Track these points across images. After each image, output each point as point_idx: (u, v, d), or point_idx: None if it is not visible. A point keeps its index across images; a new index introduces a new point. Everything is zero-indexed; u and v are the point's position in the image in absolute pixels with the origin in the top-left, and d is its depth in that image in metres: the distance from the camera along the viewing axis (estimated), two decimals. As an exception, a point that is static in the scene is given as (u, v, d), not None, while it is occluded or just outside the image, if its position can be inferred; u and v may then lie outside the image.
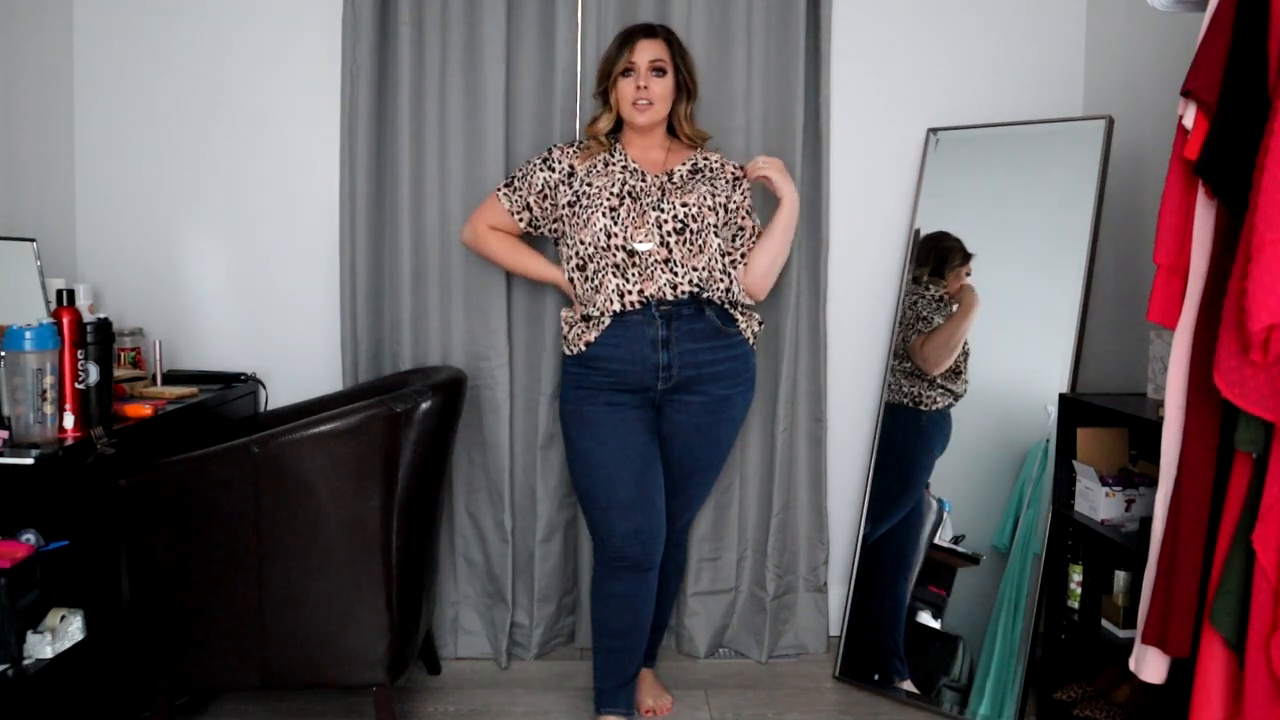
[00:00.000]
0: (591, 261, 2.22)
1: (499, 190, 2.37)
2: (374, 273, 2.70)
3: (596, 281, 2.21)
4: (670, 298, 2.18)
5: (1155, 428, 1.77)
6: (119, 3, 2.76)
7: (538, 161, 2.34)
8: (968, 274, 2.63)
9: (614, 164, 2.29)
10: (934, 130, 2.79)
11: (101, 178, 2.79)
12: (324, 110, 2.74)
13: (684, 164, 2.32)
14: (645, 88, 2.22)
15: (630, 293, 2.18)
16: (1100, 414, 2.21)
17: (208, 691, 2.45)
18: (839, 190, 2.80)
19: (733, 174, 2.35)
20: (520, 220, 2.35)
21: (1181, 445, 1.65)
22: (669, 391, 2.22)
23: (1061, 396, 2.35)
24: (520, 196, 2.34)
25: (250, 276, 2.82)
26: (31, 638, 1.87)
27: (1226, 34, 1.54)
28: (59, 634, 1.90)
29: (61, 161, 2.74)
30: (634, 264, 2.19)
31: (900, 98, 2.83)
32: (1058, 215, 2.51)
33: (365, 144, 2.65)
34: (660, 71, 2.24)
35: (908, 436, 2.69)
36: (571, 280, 2.28)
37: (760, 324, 2.34)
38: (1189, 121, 1.60)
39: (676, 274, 2.19)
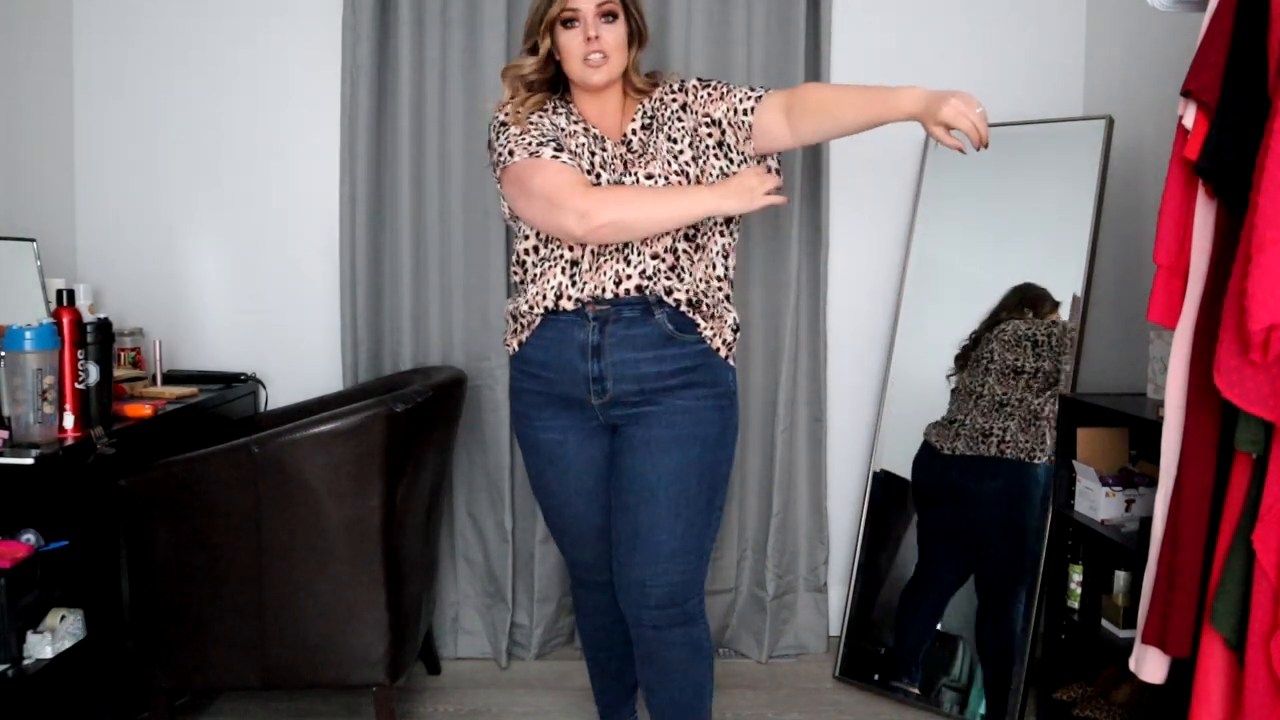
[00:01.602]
0: (545, 247, 1.85)
1: (554, 156, 1.78)
2: (374, 273, 2.70)
3: (538, 271, 1.85)
4: (610, 294, 1.79)
5: (1155, 428, 1.77)
6: (119, 3, 2.76)
7: (534, 118, 1.86)
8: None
9: (576, 128, 1.87)
10: (934, 130, 2.78)
11: (101, 178, 2.79)
12: (324, 110, 2.74)
13: (634, 120, 1.88)
14: (596, 38, 1.78)
15: (568, 297, 1.81)
16: (1100, 414, 2.21)
17: (208, 691, 2.45)
18: (839, 190, 2.79)
19: (677, 97, 1.88)
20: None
21: (1181, 445, 1.65)
22: (611, 407, 1.84)
23: (1061, 396, 2.35)
24: (570, 155, 1.81)
25: (250, 276, 2.82)
26: (31, 638, 1.87)
27: (1226, 34, 1.54)
28: (59, 634, 1.90)
29: (61, 161, 2.74)
30: (584, 257, 1.82)
31: (900, 98, 2.83)
32: (1058, 215, 2.51)
33: (365, 144, 2.65)
34: (611, 16, 1.80)
35: (1013, 500, 2.44)
36: (523, 261, 1.89)
37: (736, 330, 1.89)
38: (1189, 121, 1.60)
39: (630, 262, 1.79)
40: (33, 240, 2.34)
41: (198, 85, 2.77)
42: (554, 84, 1.90)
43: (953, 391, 2.61)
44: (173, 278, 2.81)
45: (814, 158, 2.73)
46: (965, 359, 2.60)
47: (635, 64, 1.89)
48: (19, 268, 2.29)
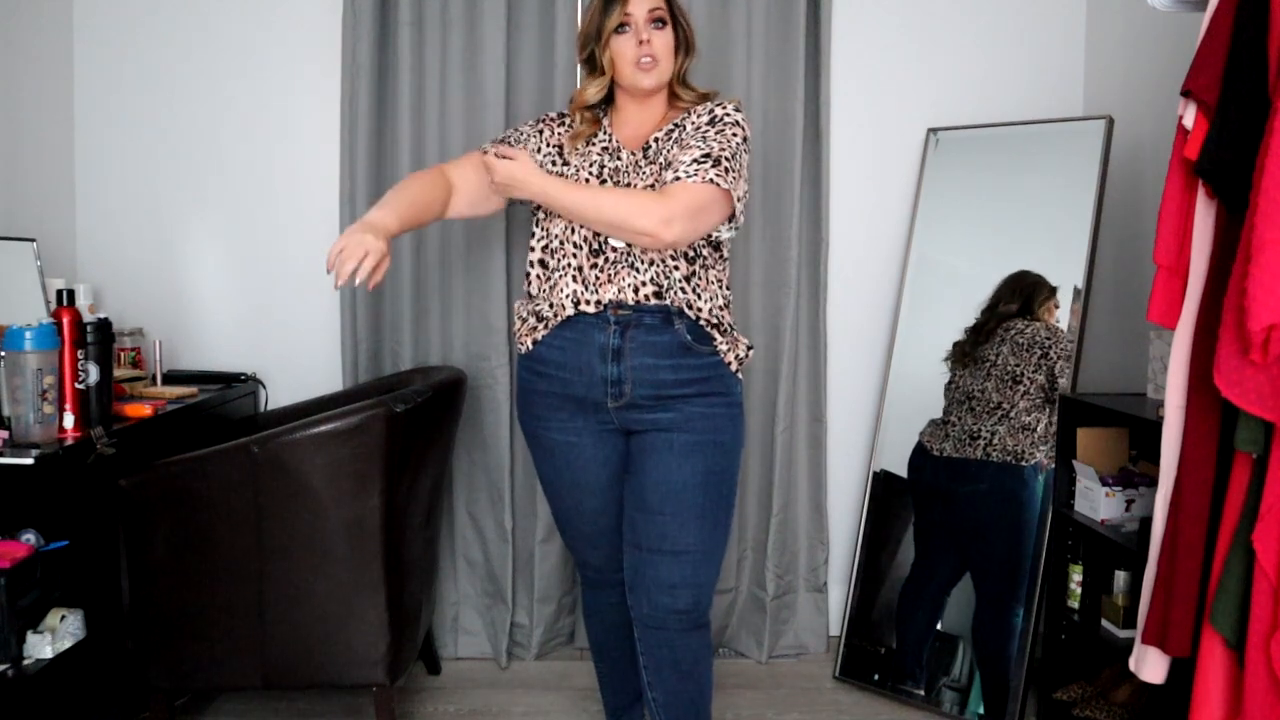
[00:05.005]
0: (553, 257, 1.92)
1: (486, 147, 1.99)
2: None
3: (553, 281, 1.91)
4: (631, 301, 1.86)
5: (1155, 428, 1.77)
6: (119, 3, 2.76)
7: (530, 128, 2.01)
8: (1056, 306, 2.47)
9: (595, 142, 1.96)
10: (934, 130, 2.79)
11: (101, 178, 2.79)
12: (324, 110, 2.74)
13: (661, 130, 1.93)
14: (648, 42, 1.86)
15: (587, 302, 1.87)
16: (1100, 414, 2.21)
17: (207, 691, 2.45)
18: (839, 190, 2.80)
19: (712, 112, 1.89)
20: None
21: (1181, 445, 1.65)
22: (627, 410, 1.88)
23: (1061, 397, 2.35)
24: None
25: (250, 276, 2.82)
26: (31, 638, 1.87)
27: (1226, 34, 1.54)
28: (59, 634, 1.90)
29: (61, 161, 2.75)
30: (595, 265, 1.87)
31: (900, 98, 2.83)
32: (1058, 215, 2.52)
33: (365, 144, 2.65)
34: (660, 23, 1.88)
35: (1002, 500, 2.45)
36: (529, 273, 1.97)
37: (749, 349, 1.97)
38: (1189, 121, 1.60)
39: (639, 271, 1.86)
40: (33, 240, 2.34)
41: (198, 85, 2.77)
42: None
43: (947, 388, 2.60)
44: (173, 278, 2.81)
45: (814, 158, 2.73)
46: (964, 356, 2.59)
47: (681, 73, 1.96)
48: (19, 268, 2.29)
